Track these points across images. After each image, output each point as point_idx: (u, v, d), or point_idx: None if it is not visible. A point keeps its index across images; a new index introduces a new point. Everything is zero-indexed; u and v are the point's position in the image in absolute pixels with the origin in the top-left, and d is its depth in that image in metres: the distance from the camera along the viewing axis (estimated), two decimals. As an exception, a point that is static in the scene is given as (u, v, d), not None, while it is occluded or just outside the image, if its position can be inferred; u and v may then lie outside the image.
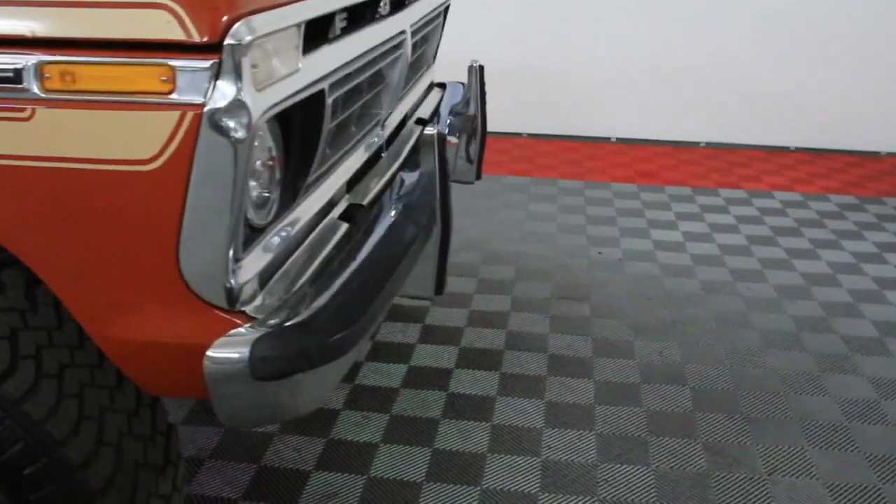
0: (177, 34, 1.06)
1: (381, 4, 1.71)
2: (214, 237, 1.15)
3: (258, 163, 1.26)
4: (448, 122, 2.33)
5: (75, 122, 1.07)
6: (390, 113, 1.96)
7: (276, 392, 1.22)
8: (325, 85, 1.34)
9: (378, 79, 1.89)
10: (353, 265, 1.42)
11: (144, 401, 1.41)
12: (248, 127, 1.10)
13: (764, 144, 5.25)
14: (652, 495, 2.09)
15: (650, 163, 4.93)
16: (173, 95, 1.08)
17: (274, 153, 1.30)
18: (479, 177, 2.48)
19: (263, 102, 1.13)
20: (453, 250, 3.21)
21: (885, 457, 2.23)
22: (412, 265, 1.53)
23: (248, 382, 1.18)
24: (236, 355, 1.17)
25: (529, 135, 5.43)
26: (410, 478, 2.15)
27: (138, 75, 1.07)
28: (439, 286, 1.75)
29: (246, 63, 1.08)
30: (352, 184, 1.74)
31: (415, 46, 2.27)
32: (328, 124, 1.39)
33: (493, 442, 2.30)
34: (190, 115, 1.08)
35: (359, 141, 1.74)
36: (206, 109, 1.08)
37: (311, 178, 1.44)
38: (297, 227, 1.42)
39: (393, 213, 1.61)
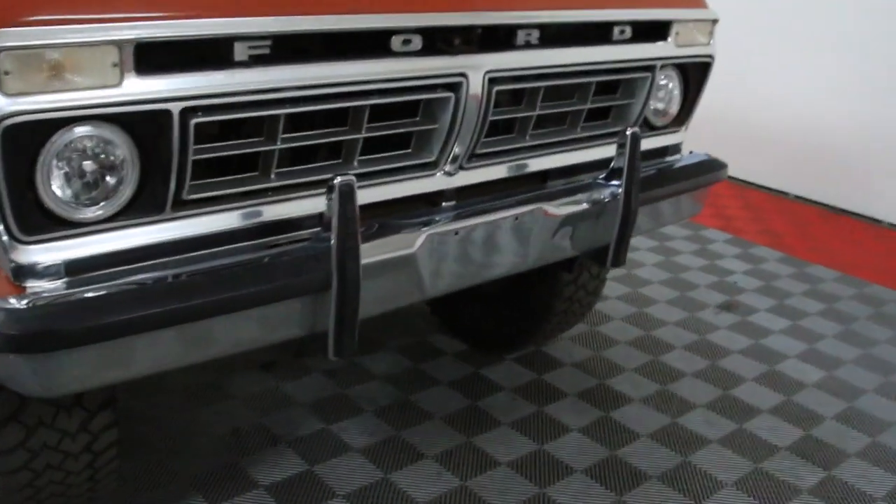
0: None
1: (399, 41, 1.59)
2: (-12, 215, 1.31)
3: (87, 163, 1.35)
4: (555, 189, 2.01)
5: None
6: (454, 158, 1.80)
7: (14, 363, 1.32)
8: (172, 107, 1.36)
9: (427, 120, 1.76)
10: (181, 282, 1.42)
11: None
12: None
13: None
14: None
15: None
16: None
17: (117, 160, 1.38)
18: (617, 263, 2.07)
19: (12, 108, 1.22)
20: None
21: None
22: (243, 307, 1.45)
23: None
24: (-25, 317, 1.31)
25: None
26: None
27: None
28: (338, 349, 1.58)
29: None
30: None
31: (553, 97, 2.01)
32: (184, 147, 1.40)
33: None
34: (-43, 107, 1.25)
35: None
36: (-40, 105, 1.24)
37: (190, 196, 1.47)
38: (171, 234, 1.47)
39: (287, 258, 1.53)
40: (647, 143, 2.28)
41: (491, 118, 1.82)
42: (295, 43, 1.49)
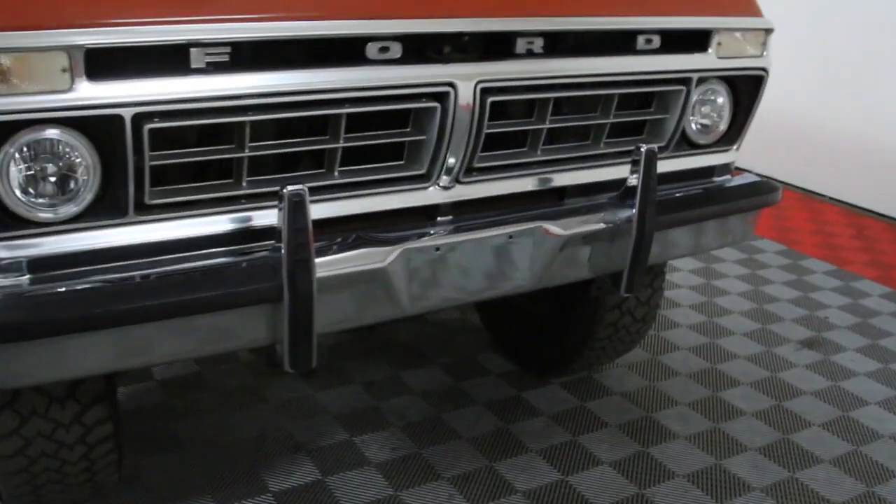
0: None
1: (375, 48, 1.55)
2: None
3: (47, 166, 1.39)
4: (559, 207, 1.88)
5: None
6: (447, 171, 1.73)
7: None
8: (123, 112, 1.37)
9: (415, 131, 1.71)
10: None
11: None
12: None
13: None
14: None
15: None
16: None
17: (77, 163, 1.41)
18: (631, 289, 1.91)
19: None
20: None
21: None
22: (192, 312, 1.43)
23: None
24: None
25: None
26: None
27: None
28: (294, 361, 1.54)
29: None
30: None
31: (573, 108, 1.91)
32: (139, 152, 1.41)
33: None
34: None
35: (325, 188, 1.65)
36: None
37: (153, 201, 1.48)
38: (136, 237, 1.49)
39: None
40: (689, 163, 2.15)
41: (487, 131, 1.75)
42: (258, 50, 1.48)
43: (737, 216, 2.13)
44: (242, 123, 1.51)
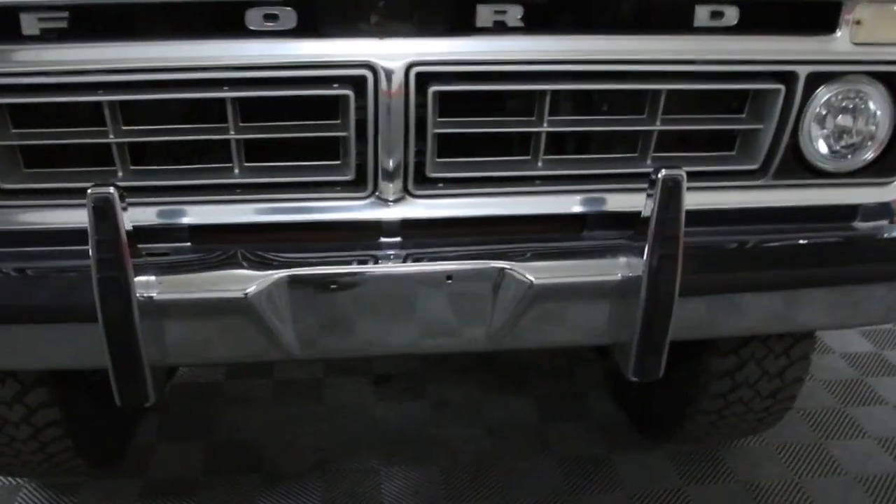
0: None
1: (259, 16, 1.18)
2: None
3: None
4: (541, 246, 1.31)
5: None
6: (387, 178, 1.31)
7: None
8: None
9: (342, 126, 1.30)
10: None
11: None
12: None
13: None
14: None
15: None
16: None
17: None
18: (643, 374, 1.30)
19: None
20: None
21: None
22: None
23: None
24: None
25: None
26: None
27: None
28: (122, 397, 1.20)
29: None
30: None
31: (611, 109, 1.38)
32: None
33: None
34: None
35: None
36: None
37: (10, 185, 1.28)
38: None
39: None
40: (806, 197, 1.48)
41: (437, 130, 1.29)
42: (104, 16, 1.20)
43: (864, 287, 1.41)
44: (103, 103, 1.25)
